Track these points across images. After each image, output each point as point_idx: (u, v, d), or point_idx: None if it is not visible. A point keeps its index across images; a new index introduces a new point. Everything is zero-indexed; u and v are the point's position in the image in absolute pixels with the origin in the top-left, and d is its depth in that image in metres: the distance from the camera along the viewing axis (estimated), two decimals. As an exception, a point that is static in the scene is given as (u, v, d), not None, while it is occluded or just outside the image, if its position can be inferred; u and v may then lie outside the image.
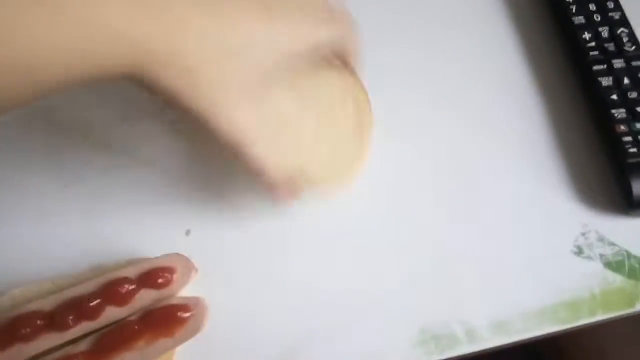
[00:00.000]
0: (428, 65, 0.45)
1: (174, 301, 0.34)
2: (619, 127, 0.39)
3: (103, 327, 0.33)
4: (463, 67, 0.45)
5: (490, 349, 0.37)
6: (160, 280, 0.34)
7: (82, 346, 0.32)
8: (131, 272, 0.34)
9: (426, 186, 0.41)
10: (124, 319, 0.33)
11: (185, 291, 0.35)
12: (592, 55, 0.42)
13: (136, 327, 0.32)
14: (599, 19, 0.43)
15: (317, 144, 0.32)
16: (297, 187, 0.32)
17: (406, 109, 0.43)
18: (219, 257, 0.38)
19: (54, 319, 0.32)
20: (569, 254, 0.39)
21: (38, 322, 0.32)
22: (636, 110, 0.39)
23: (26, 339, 0.32)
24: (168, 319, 0.33)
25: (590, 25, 0.43)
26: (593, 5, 0.44)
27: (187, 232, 0.39)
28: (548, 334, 0.37)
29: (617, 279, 0.38)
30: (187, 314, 0.33)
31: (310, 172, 0.31)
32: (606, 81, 0.41)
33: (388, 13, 0.48)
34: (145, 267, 0.34)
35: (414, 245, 0.39)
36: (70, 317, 0.32)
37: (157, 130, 0.43)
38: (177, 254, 0.35)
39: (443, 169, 0.41)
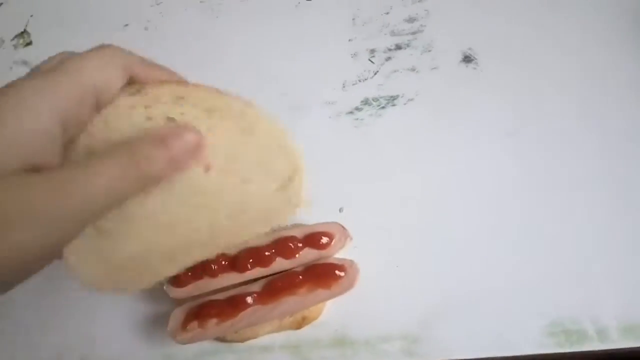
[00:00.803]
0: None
1: (332, 260, 0.39)
2: None
3: (273, 274, 0.39)
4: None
5: (618, 350, 0.38)
6: (321, 242, 0.40)
7: (255, 287, 0.39)
8: (299, 232, 0.40)
9: (567, 182, 0.43)
10: (290, 269, 0.39)
11: (341, 254, 0.40)
12: None
13: (300, 277, 0.39)
14: None
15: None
16: None
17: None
18: (370, 231, 0.43)
19: (236, 262, 0.39)
20: None
21: (223, 262, 0.39)
22: None
23: (213, 274, 0.39)
24: (327, 274, 0.38)
25: None
26: None
27: (341, 210, 0.45)
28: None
29: None
30: (342, 272, 0.39)
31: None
32: None
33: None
34: (310, 229, 0.40)
35: (556, 240, 0.41)
36: (249, 262, 0.39)
37: (320, 121, 0.49)
38: (336, 222, 0.41)
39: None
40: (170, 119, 0.29)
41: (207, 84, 0.32)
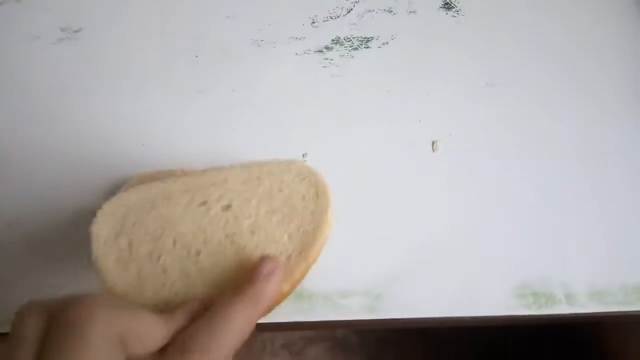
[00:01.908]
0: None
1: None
2: None
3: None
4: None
5: (584, 314, 0.37)
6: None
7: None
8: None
9: (542, 141, 0.41)
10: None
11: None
12: None
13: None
14: None
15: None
16: None
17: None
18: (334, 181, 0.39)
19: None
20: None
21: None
22: None
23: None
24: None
25: None
26: None
27: (304, 155, 0.40)
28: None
29: None
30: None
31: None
32: None
33: None
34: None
35: (525, 200, 0.39)
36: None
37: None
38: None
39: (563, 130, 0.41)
40: (226, 207, 0.30)
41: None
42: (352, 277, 0.36)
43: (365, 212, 0.38)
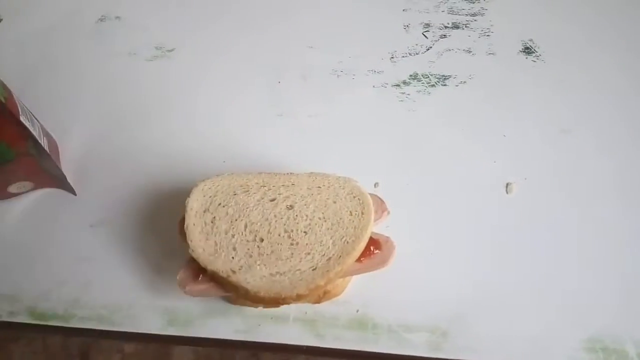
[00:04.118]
0: None
1: (367, 234, 0.36)
2: None
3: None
4: None
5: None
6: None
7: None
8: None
9: (620, 191, 0.40)
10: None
11: (378, 229, 0.37)
12: None
13: (330, 246, 0.35)
14: None
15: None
16: None
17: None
18: (405, 212, 0.39)
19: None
20: None
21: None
22: None
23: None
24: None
25: None
26: None
27: (376, 185, 0.41)
28: None
29: None
30: (377, 250, 0.35)
31: None
32: None
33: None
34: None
35: (598, 249, 0.38)
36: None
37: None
38: (374, 194, 0.37)
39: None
40: (289, 207, 0.35)
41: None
42: (418, 312, 0.36)
43: (433, 248, 0.39)
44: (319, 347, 0.36)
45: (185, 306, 0.37)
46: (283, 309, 0.36)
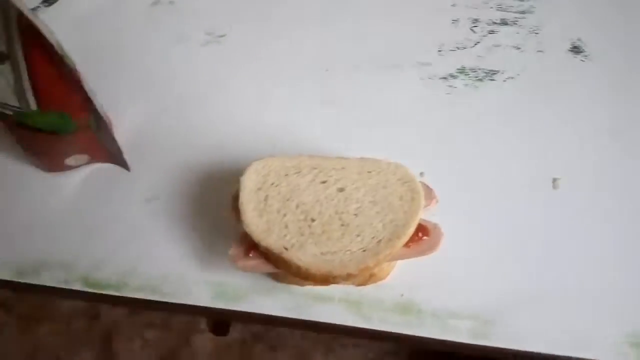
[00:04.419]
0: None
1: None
2: None
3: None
4: None
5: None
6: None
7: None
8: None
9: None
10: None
11: (426, 216, 0.37)
12: None
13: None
14: None
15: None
16: None
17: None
18: (450, 201, 0.40)
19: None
20: None
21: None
22: None
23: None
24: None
25: None
26: None
27: (421, 174, 0.42)
28: None
29: None
30: (424, 236, 0.36)
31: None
32: None
33: None
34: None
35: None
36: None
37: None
38: (424, 182, 0.38)
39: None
40: (340, 189, 0.36)
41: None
42: (462, 300, 0.37)
43: (478, 238, 0.39)
44: (365, 328, 0.37)
45: (233, 282, 0.38)
46: (328, 289, 0.37)
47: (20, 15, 0.30)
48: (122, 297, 0.39)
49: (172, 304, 0.38)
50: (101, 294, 0.39)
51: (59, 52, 0.32)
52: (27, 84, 0.34)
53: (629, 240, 0.39)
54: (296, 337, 1.10)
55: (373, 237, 0.34)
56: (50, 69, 0.33)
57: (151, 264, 0.39)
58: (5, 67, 0.34)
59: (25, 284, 0.40)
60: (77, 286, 0.39)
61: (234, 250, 0.35)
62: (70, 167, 0.43)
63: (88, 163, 0.43)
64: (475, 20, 0.50)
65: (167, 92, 0.47)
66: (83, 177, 0.43)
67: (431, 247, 0.36)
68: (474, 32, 0.49)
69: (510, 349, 0.35)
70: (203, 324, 1.19)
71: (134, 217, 0.41)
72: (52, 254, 0.40)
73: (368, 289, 0.37)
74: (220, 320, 1.15)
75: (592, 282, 0.37)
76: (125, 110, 0.46)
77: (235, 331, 1.16)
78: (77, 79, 0.35)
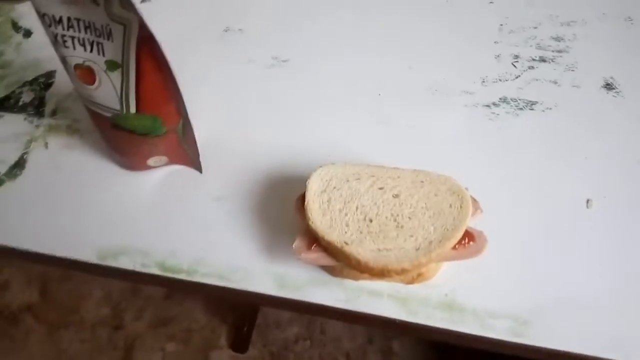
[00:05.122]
0: None
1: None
2: None
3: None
4: None
5: None
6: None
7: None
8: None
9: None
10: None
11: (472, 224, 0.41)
12: None
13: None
14: None
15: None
16: None
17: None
18: (494, 214, 0.44)
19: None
20: None
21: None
22: None
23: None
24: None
25: None
26: None
27: (466, 189, 0.46)
28: None
29: None
30: (470, 241, 0.40)
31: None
32: None
33: None
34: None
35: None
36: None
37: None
38: (470, 194, 0.42)
39: None
40: (396, 195, 0.41)
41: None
42: (502, 301, 0.40)
43: (517, 247, 0.43)
44: (412, 323, 0.40)
45: (293, 274, 0.43)
46: (378, 286, 0.41)
47: (142, 26, 0.36)
48: (193, 281, 0.43)
49: (237, 290, 0.43)
50: (174, 279, 0.43)
51: (168, 62, 0.38)
52: (132, 90, 0.40)
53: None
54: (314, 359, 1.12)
55: (425, 238, 0.38)
56: (156, 77, 0.39)
57: (219, 254, 0.44)
58: (116, 74, 0.40)
59: (108, 267, 0.45)
60: (154, 270, 0.44)
61: (298, 243, 0.40)
62: (150, 167, 0.49)
63: (166, 164, 0.49)
64: (516, 57, 0.55)
65: (236, 105, 0.53)
66: (161, 176, 0.49)
67: (476, 251, 0.39)
68: (515, 67, 0.54)
69: (545, 348, 0.38)
70: (223, 339, 1.22)
71: (204, 213, 0.46)
72: (132, 241, 0.45)
73: (415, 287, 0.41)
74: (241, 337, 1.18)
75: (619, 288, 0.40)
76: (200, 119, 0.52)
77: (255, 348, 1.19)
78: (177, 87, 0.40)
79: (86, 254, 0.45)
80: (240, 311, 1.23)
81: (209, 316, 1.23)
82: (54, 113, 0.54)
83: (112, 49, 0.37)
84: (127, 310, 1.25)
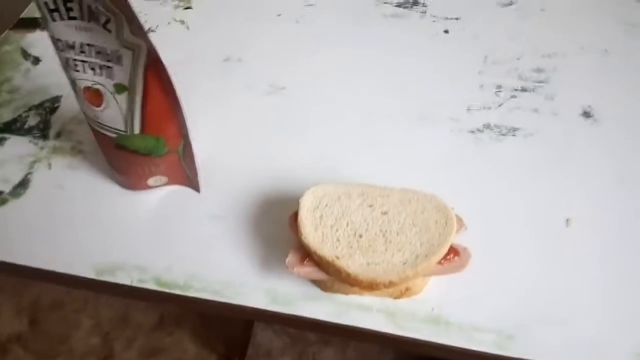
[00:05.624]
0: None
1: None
2: None
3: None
4: None
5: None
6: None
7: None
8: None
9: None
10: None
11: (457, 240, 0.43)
12: None
13: (417, 248, 0.42)
14: None
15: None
16: None
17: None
18: (477, 231, 0.46)
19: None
20: None
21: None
22: None
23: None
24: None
25: None
26: None
27: (452, 209, 0.48)
28: None
29: None
30: (455, 256, 0.41)
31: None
32: None
33: None
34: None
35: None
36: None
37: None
38: (455, 212, 0.44)
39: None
40: (384, 212, 0.43)
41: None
42: (486, 316, 0.42)
43: (500, 263, 0.45)
44: (400, 336, 0.42)
45: (285, 289, 0.44)
46: (367, 300, 0.43)
47: (150, 50, 0.39)
48: (188, 296, 0.44)
49: (230, 304, 0.44)
50: (170, 294, 0.45)
51: (173, 84, 0.41)
52: (137, 111, 0.42)
53: (629, 269, 0.44)
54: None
55: (412, 253, 0.40)
56: (161, 99, 0.42)
57: (214, 270, 0.46)
58: (123, 97, 0.42)
59: (105, 282, 0.46)
60: (150, 285, 0.45)
61: (291, 258, 0.42)
62: (149, 187, 0.51)
63: (166, 184, 0.51)
64: (499, 86, 0.58)
65: (234, 129, 0.56)
66: (160, 196, 0.51)
67: (461, 266, 0.41)
68: (498, 96, 0.58)
69: (528, 360, 0.40)
70: (215, 364, 1.21)
71: (200, 230, 0.48)
72: (129, 257, 0.47)
73: (403, 302, 0.43)
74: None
75: (598, 302, 0.42)
76: (200, 141, 0.54)
77: (247, 371, 1.18)
78: (180, 108, 0.43)
79: (84, 270, 0.46)
80: (230, 341, 1.22)
81: (198, 347, 1.22)
82: (58, 135, 0.56)
83: (120, 73, 0.40)
84: (117, 340, 1.24)
